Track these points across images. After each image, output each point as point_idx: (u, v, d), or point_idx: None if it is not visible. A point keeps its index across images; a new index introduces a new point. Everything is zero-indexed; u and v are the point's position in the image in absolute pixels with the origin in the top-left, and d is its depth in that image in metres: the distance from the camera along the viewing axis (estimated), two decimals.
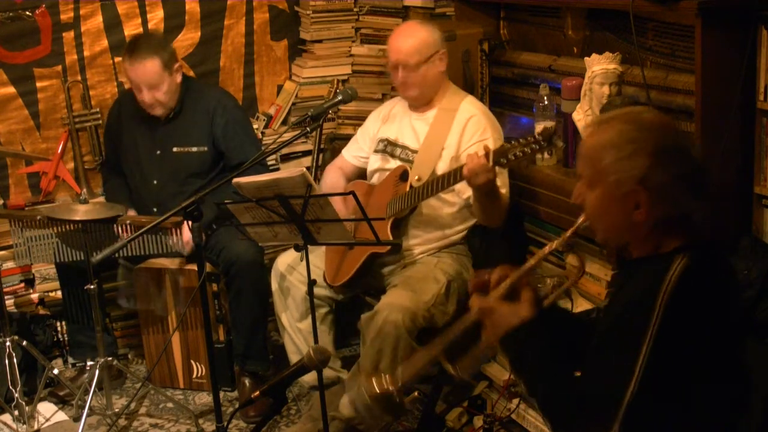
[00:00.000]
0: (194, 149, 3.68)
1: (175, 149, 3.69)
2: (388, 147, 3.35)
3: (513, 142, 2.68)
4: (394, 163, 3.30)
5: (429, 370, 2.13)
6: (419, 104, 3.31)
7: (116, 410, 3.47)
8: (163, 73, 3.53)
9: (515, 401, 3.06)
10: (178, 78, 3.63)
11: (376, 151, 3.40)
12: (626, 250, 1.94)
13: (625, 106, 2.92)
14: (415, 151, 3.24)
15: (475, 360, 2.12)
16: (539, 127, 2.57)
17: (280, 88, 4.43)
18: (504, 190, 3.05)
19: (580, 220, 1.98)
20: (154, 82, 3.52)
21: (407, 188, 3.14)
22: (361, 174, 3.54)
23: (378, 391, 2.07)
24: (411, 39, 3.19)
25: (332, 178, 3.55)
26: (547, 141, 2.58)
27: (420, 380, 3.40)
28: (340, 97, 3.27)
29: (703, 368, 1.77)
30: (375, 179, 3.39)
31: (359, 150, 3.54)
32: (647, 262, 1.87)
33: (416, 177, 3.14)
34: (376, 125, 3.46)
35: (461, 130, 3.17)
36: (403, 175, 3.20)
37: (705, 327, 1.77)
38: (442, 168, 3.15)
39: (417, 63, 3.17)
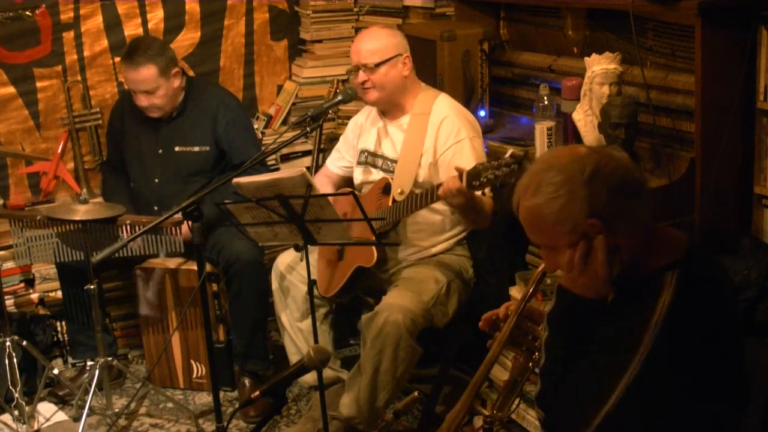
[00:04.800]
0: (196, 148, 3.68)
1: (177, 148, 3.69)
2: (369, 158, 3.33)
3: (486, 164, 2.67)
4: (376, 174, 3.28)
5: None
6: (386, 110, 3.28)
7: (116, 410, 3.47)
8: (159, 79, 3.54)
9: (515, 401, 3.06)
10: (177, 82, 3.63)
11: (358, 163, 3.38)
12: None
13: (625, 106, 2.93)
14: (394, 161, 3.21)
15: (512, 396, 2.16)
16: (508, 152, 2.62)
17: (280, 88, 4.43)
18: (486, 191, 3.02)
19: (540, 268, 1.98)
20: (149, 88, 3.54)
21: (390, 202, 3.12)
22: (348, 183, 3.53)
23: None
24: (372, 41, 3.17)
25: (320, 186, 3.51)
26: (518, 164, 2.59)
27: (420, 380, 3.42)
28: (340, 97, 3.26)
29: (701, 384, 1.76)
30: (362, 192, 3.38)
31: (341, 159, 3.52)
32: (636, 282, 1.82)
33: (399, 190, 3.11)
34: (355, 134, 3.44)
35: (435, 134, 3.14)
36: (386, 188, 3.18)
37: (703, 345, 1.76)
38: (422, 176, 3.13)
39: (376, 64, 3.14)
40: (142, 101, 3.58)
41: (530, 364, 2.11)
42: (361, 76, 3.17)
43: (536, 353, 2.07)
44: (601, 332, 1.83)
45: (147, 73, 3.52)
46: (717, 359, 1.78)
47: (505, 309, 2.18)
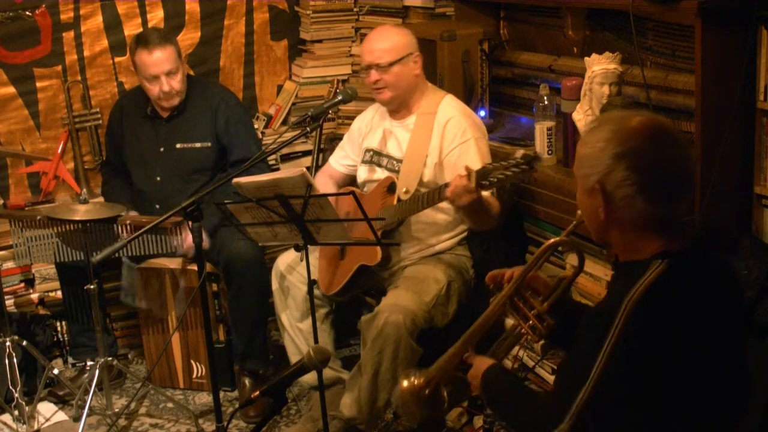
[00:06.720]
0: (198, 145, 3.69)
1: (178, 145, 3.70)
2: (374, 157, 3.33)
3: (495, 164, 2.65)
4: (381, 173, 3.28)
5: (458, 368, 2.19)
6: (395, 109, 3.28)
7: (116, 410, 3.47)
8: (178, 60, 3.60)
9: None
10: (187, 70, 3.72)
11: (363, 162, 3.38)
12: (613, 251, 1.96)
13: (626, 106, 2.93)
14: (400, 161, 3.21)
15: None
16: (519, 152, 2.58)
17: (280, 88, 4.43)
18: (491, 194, 3.02)
19: (579, 213, 2.00)
20: (172, 67, 3.56)
21: (395, 201, 3.12)
22: (350, 181, 3.53)
23: (406, 386, 2.12)
24: (384, 40, 3.17)
25: (322, 185, 3.52)
26: (529, 165, 2.55)
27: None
28: (340, 97, 3.26)
29: (676, 376, 1.76)
30: (365, 190, 3.38)
31: (345, 157, 3.53)
32: (627, 267, 1.87)
33: (404, 189, 3.12)
34: (360, 133, 3.44)
35: (441, 134, 3.14)
36: (391, 187, 3.17)
37: (671, 337, 1.75)
38: (428, 176, 3.13)
39: (389, 63, 3.14)
40: (165, 86, 3.56)
41: (521, 329, 2.15)
42: (374, 75, 3.17)
43: (530, 321, 2.12)
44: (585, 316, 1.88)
45: (171, 51, 3.56)
46: (694, 359, 1.77)
47: (511, 272, 2.23)
